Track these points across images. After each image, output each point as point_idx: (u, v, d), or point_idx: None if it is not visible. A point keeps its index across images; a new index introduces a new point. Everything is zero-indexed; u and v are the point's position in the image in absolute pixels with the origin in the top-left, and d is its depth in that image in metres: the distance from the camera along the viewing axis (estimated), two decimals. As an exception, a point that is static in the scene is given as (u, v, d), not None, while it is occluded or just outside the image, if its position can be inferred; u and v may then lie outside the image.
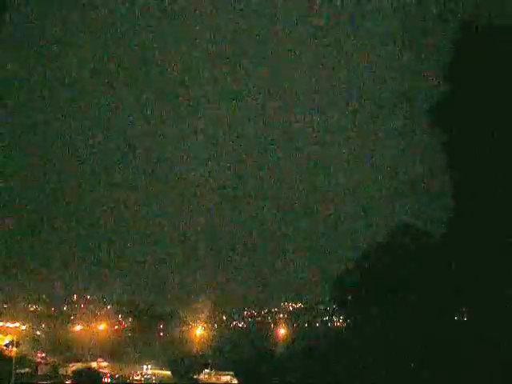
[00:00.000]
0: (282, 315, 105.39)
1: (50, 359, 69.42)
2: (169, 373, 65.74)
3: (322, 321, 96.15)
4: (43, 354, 70.98)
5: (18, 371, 52.26)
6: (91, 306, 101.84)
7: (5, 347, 63.74)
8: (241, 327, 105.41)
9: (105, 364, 71.95)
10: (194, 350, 76.74)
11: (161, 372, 68.50)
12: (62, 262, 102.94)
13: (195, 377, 63.36)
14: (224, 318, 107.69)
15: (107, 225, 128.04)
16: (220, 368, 66.05)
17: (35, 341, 75.39)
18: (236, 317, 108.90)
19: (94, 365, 66.37)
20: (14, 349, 65.32)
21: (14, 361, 52.89)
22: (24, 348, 70.22)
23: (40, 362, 65.79)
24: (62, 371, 62.21)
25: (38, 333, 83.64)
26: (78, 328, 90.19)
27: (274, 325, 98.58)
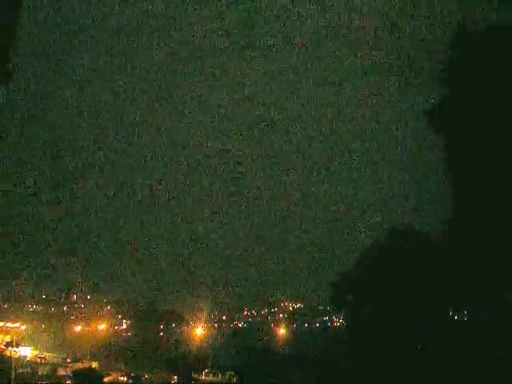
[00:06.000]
0: (281, 315, 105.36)
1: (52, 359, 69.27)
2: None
3: (322, 321, 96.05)
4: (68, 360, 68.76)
5: (18, 371, 52.21)
6: (91, 306, 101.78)
7: (6, 348, 63.64)
8: (241, 327, 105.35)
9: None
10: (194, 349, 76.68)
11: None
12: (62, 262, 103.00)
13: (195, 377, 63.37)
14: (224, 317, 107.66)
15: (107, 225, 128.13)
16: (220, 368, 66.02)
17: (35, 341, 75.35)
18: (236, 317, 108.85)
19: (94, 365, 66.28)
20: (33, 352, 65.24)
21: (14, 361, 52.84)
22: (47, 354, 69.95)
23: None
24: (61, 371, 62.15)
25: (44, 333, 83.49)
26: (78, 328, 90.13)
27: (274, 325, 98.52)
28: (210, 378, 64.76)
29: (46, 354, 71.18)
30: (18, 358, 58.10)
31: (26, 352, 67.28)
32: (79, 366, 64.11)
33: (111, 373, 65.34)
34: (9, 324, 76.25)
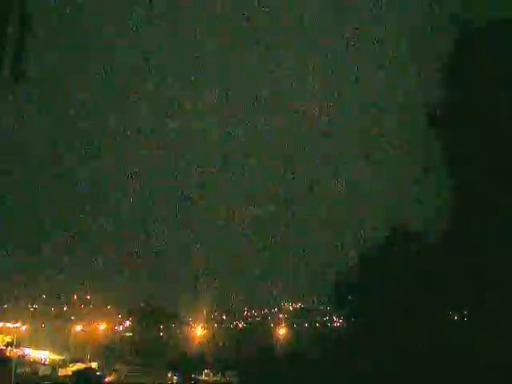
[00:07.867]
0: (281, 315, 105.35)
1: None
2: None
3: (322, 321, 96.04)
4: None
5: (18, 371, 52.25)
6: (91, 306, 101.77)
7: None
8: (241, 327, 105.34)
9: None
10: (194, 349, 76.73)
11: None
12: (62, 262, 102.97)
13: (195, 377, 63.42)
14: (224, 317, 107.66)
15: (107, 225, 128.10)
16: (220, 368, 66.09)
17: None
18: (236, 317, 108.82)
19: (94, 365, 66.34)
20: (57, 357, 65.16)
21: (14, 361, 52.89)
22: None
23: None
24: (61, 371, 62.19)
25: (44, 333, 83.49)
26: (78, 328, 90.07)
27: (274, 325, 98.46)
28: (210, 378, 64.82)
29: (46, 353, 71.30)
30: (18, 358, 58.17)
31: (44, 356, 67.53)
32: (79, 366, 64.15)
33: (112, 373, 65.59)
34: (9, 324, 76.27)
